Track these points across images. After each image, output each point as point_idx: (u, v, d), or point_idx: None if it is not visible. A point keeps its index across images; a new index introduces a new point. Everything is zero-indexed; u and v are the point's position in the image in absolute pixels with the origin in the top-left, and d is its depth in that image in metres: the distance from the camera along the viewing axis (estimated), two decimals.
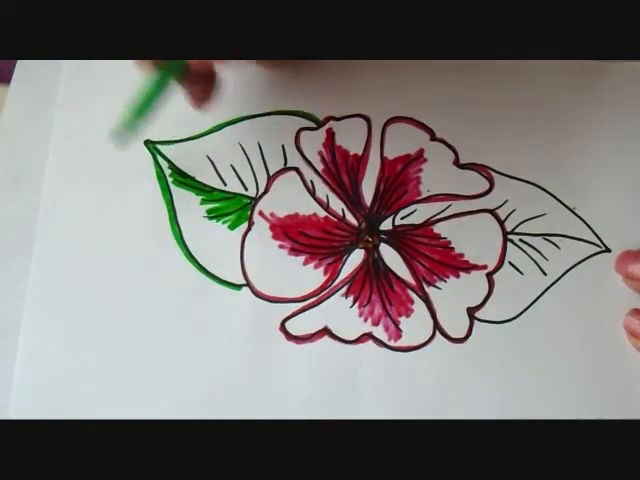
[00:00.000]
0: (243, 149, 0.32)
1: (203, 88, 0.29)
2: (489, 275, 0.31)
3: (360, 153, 0.32)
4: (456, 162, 0.32)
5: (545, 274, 0.31)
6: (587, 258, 0.31)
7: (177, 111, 0.33)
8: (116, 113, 0.33)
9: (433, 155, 0.32)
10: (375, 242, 0.31)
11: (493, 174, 0.32)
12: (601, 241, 0.31)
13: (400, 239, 0.31)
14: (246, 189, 0.32)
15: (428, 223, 0.32)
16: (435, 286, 0.31)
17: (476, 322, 0.30)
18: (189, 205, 0.32)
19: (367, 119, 0.33)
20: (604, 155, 0.32)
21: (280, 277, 0.31)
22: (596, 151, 0.32)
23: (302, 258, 0.31)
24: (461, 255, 0.31)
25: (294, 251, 0.31)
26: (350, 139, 0.33)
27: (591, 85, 0.33)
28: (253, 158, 0.32)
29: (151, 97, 0.28)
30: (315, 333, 0.30)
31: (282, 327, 0.30)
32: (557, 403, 0.29)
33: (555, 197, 0.32)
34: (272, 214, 0.32)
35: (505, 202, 0.32)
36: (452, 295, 0.31)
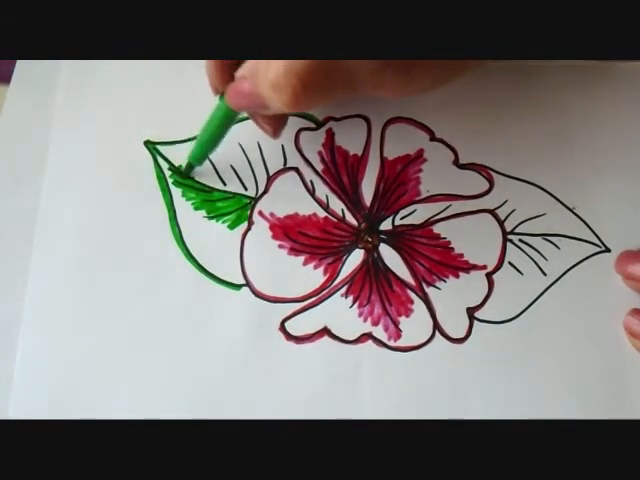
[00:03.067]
0: (243, 149, 0.32)
1: (274, 119, 0.29)
2: (489, 275, 0.31)
3: (360, 153, 0.32)
4: (456, 162, 0.32)
5: (545, 274, 0.31)
6: (587, 258, 0.31)
7: (177, 111, 0.33)
8: (116, 113, 0.33)
9: (433, 155, 0.32)
10: (375, 242, 0.31)
11: (493, 174, 0.32)
12: (601, 241, 0.31)
13: (400, 239, 0.31)
14: (246, 189, 0.32)
15: (428, 223, 0.32)
16: (435, 286, 0.31)
17: (476, 322, 0.30)
18: (189, 206, 0.32)
19: (367, 119, 0.33)
20: (604, 155, 0.32)
21: (280, 277, 0.31)
22: (596, 151, 0.32)
23: (302, 258, 0.31)
24: (461, 255, 0.31)
25: (294, 251, 0.31)
26: (350, 139, 0.33)
27: (591, 85, 0.33)
28: (253, 158, 0.32)
29: (216, 129, 0.29)
30: (315, 333, 0.30)
31: (282, 327, 0.30)
32: (557, 403, 0.29)
33: (555, 197, 0.32)
34: (272, 214, 0.32)
35: (505, 202, 0.32)
36: (452, 295, 0.31)
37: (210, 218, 0.32)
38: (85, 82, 0.33)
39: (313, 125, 0.33)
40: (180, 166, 0.32)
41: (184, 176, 0.32)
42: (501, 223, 0.32)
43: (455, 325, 0.30)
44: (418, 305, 0.31)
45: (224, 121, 0.29)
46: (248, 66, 0.25)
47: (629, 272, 0.30)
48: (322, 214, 0.32)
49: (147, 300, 0.30)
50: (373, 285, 0.31)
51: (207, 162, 0.32)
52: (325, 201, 0.32)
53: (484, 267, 0.31)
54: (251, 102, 0.26)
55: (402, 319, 0.30)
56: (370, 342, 0.30)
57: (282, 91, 0.24)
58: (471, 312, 0.30)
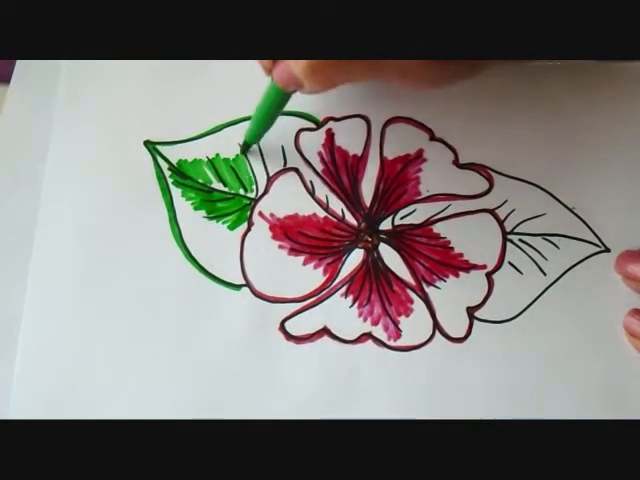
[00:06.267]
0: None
1: None
2: (489, 275, 0.31)
3: (360, 153, 0.32)
4: (455, 162, 0.32)
5: (545, 274, 0.31)
6: (587, 258, 0.31)
7: (177, 111, 0.33)
8: (116, 113, 0.33)
9: (432, 155, 0.32)
10: (374, 242, 0.31)
11: (492, 174, 0.32)
12: (601, 241, 0.31)
13: (399, 239, 0.31)
14: (246, 190, 0.32)
15: (427, 223, 0.32)
16: (435, 286, 0.31)
17: (476, 322, 0.30)
18: (189, 206, 0.32)
19: (366, 119, 0.33)
20: (604, 155, 0.32)
21: (279, 277, 0.31)
22: (596, 151, 0.32)
23: (301, 258, 0.31)
24: (460, 255, 0.31)
25: (294, 251, 0.31)
26: (350, 139, 0.33)
27: (591, 85, 0.33)
28: (253, 159, 0.32)
29: (268, 108, 0.29)
30: (314, 333, 0.30)
31: (282, 327, 0.30)
32: (556, 403, 0.29)
33: (555, 197, 0.32)
34: (272, 214, 0.32)
35: (504, 202, 0.32)
36: (452, 295, 0.31)
37: (210, 218, 0.32)
38: (85, 82, 0.33)
39: (313, 125, 0.33)
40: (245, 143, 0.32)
41: (243, 152, 0.32)
42: (501, 223, 0.32)
43: (455, 325, 0.30)
44: (418, 305, 0.31)
45: (275, 100, 0.29)
46: None
47: (629, 272, 0.30)
48: (322, 214, 0.32)
49: (147, 300, 0.30)
50: (373, 285, 0.31)
51: (208, 162, 0.32)
52: (325, 201, 0.32)
53: (484, 267, 0.31)
54: (288, 78, 0.26)
55: (402, 319, 0.30)
56: (370, 342, 0.30)
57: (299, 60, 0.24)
58: (471, 312, 0.30)
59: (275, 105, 0.29)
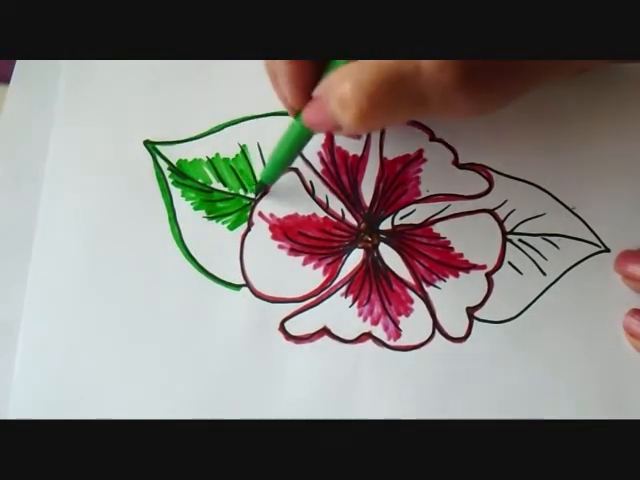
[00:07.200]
0: (243, 149, 0.32)
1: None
2: (488, 275, 0.31)
3: (359, 154, 0.32)
4: (455, 162, 0.32)
5: (544, 274, 0.31)
6: (586, 258, 0.31)
7: (177, 111, 0.33)
8: (116, 113, 0.33)
9: (432, 155, 0.32)
10: (374, 242, 0.31)
11: (492, 174, 0.32)
12: (600, 241, 0.31)
13: (399, 239, 0.32)
14: (245, 190, 0.32)
15: (427, 223, 0.32)
16: (434, 286, 0.31)
17: (475, 322, 0.30)
18: (188, 206, 0.32)
19: None
20: (604, 155, 0.32)
21: (279, 277, 0.31)
22: (596, 151, 0.32)
23: (301, 258, 0.31)
24: (460, 255, 0.31)
25: (293, 251, 0.31)
26: (349, 140, 0.32)
27: (591, 85, 0.33)
28: (253, 159, 0.32)
29: (290, 148, 0.29)
30: (314, 333, 0.30)
31: (281, 327, 0.30)
32: (556, 403, 0.29)
33: (555, 197, 0.32)
34: (271, 215, 0.32)
35: (504, 202, 0.32)
36: (451, 295, 0.31)
37: (210, 218, 0.32)
38: (85, 82, 0.33)
39: None
40: (255, 182, 0.32)
41: (257, 193, 0.32)
42: (501, 223, 0.32)
43: (455, 324, 0.30)
44: (418, 304, 0.31)
45: (298, 141, 0.28)
46: (322, 85, 0.25)
47: (629, 272, 0.30)
48: (322, 214, 0.32)
49: (147, 300, 0.30)
50: (373, 285, 0.31)
51: (208, 162, 0.32)
52: (325, 201, 0.32)
53: (484, 267, 0.31)
54: (325, 121, 0.25)
55: (402, 318, 0.31)
56: (370, 342, 0.30)
57: (349, 107, 0.23)
58: (471, 312, 0.31)
59: (298, 146, 0.29)
